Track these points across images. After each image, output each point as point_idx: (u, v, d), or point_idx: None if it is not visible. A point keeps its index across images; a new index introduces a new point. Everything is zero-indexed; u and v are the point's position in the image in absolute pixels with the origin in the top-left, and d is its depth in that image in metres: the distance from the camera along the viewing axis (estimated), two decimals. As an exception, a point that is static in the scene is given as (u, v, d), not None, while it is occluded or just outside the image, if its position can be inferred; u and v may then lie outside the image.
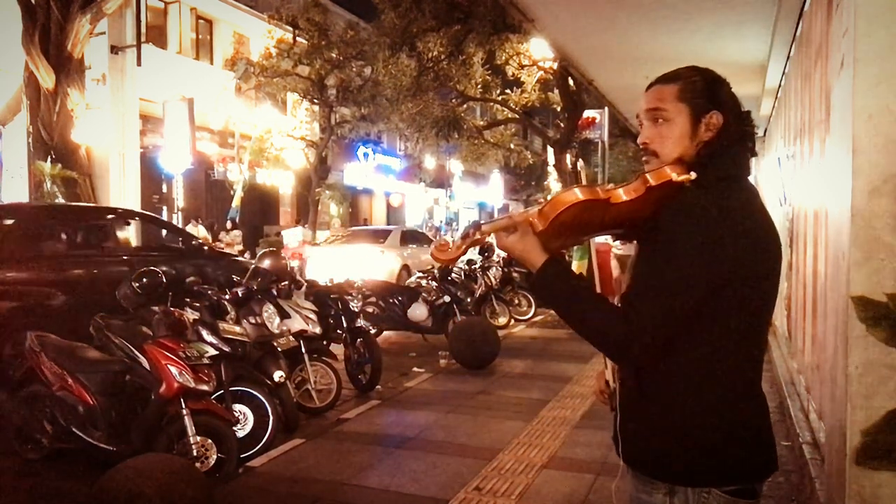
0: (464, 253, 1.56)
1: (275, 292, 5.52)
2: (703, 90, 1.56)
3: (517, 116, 20.52)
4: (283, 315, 5.41)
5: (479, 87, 19.34)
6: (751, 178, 1.65)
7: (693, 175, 1.49)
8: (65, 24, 15.10)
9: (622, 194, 1.49)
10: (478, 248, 1.49)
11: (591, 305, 1.51)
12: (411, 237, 15.75)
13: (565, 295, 1.52)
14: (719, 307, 1.46)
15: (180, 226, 14.12)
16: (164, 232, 9.43)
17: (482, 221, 1.59)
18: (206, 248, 8.57)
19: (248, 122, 19.70)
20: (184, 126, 14.70)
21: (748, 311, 1.49)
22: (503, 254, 10.58)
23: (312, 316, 5.70)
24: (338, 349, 6.42)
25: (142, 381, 4.18)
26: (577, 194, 1.47)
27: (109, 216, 8.12)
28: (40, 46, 14.84)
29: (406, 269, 13.98)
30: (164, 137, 16.20)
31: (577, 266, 9.27)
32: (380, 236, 14.82)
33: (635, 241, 1.64)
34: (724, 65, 6.85)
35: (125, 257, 7.20)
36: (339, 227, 25.40)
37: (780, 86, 6.86)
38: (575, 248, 6.57)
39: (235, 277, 5.70)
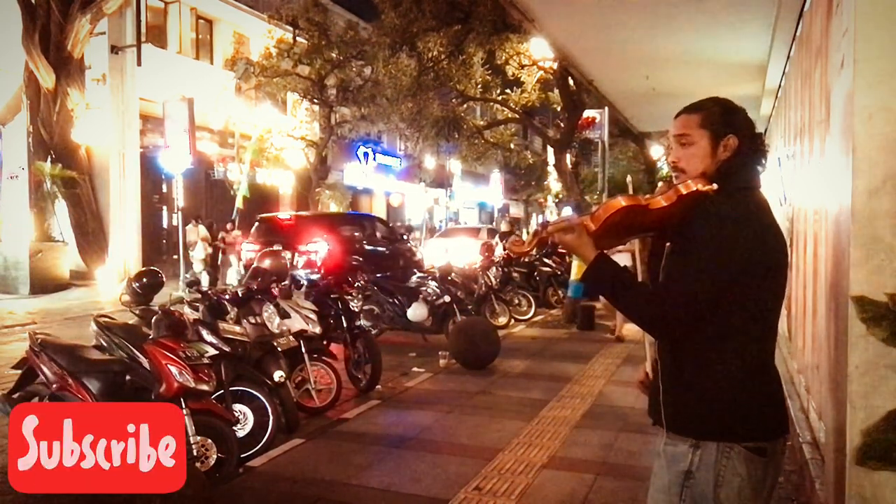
0: (534, 247, 1.93)
1: (275, 292, 5.52)
2: (721, 118, 1.87)
3: (517, 116, 20.53)
4: (283, 315, 5.41)
5: (479, 86, 19.37)
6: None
7: (715, 186, 1.80)
8: (65, 24, 15.10)
9: (661, 200, 1.80)
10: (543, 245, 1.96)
11: (634, 291, 1.83)
12: (493, 234, 20.34)
13: (612, 282, 1.83)
14: (737, 295, 1.74)
15: (180, 225, 14.62)
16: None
17: (550, 222, 1.91)
18: (406, 237, 15.87)
19: (248, 122, 19.68)
20: (184, 126, 14.69)
21: (761, 299, 1.78)
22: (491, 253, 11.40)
23: (312, 316, 5.70)
24: (338, 349, 6.42)
25: (142, 381, 4.18)
26: (621, 201, 1.79)
27: (370, 219, 16.27)
28: (40, 46, 14.85)
29: None
30: (164, 137, 16.18)
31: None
32: (473, 232, 20.61)
33: (643, 248, 1.99)
34: (724, 65, 6.89)
35: (378, 240, 14.49)
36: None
37: (780, 86, 6.86)
38: None
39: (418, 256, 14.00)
